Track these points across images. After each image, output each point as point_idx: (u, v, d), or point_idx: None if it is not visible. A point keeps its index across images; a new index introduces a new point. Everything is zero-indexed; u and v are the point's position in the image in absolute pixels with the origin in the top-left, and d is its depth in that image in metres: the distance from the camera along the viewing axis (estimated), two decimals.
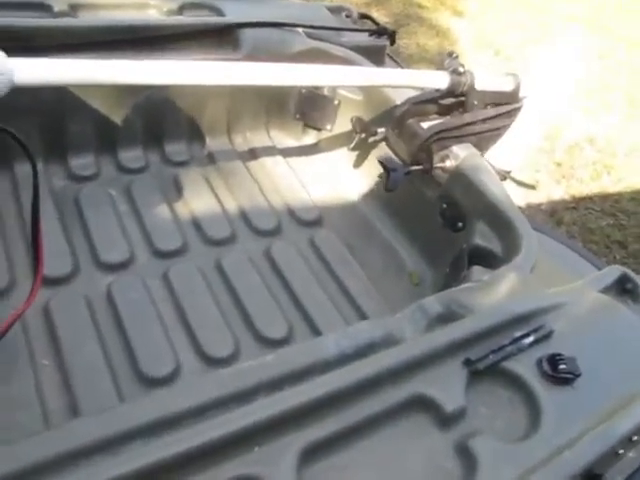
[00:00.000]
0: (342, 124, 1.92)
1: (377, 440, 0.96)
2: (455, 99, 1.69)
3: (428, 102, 1.71)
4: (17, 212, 1.55)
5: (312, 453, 0.90)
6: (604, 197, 3.64)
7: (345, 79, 1.61)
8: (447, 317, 1.15)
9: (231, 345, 1.39)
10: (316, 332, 1.47)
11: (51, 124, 1.64)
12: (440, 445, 0.97)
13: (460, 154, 1.61)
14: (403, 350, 1.05)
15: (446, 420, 0.99)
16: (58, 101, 1.60)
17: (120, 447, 0.82)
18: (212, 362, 1.36)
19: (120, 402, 1.25)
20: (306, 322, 1.49)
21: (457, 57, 1.67)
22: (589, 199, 3.62)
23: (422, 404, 1.00)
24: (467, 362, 1.05)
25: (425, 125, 1.65)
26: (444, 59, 1.67)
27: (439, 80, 1.63)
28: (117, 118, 1.72)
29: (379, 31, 2.18)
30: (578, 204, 3.56)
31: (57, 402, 1.23)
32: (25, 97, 1.07)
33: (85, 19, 1.72)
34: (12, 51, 1.08)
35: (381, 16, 4.90)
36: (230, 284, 1.52)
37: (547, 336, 1.13)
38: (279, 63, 1.57)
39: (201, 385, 0.97)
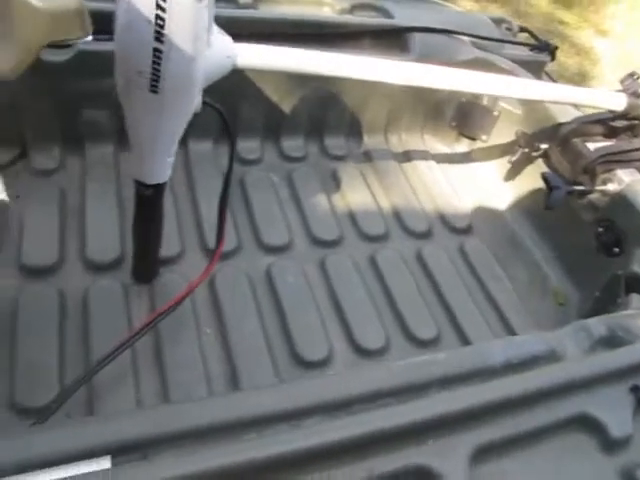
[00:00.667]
0: (497, 136, 1.92)
1: (541, 452, 0.96)
2: (627, 122, 1.66)
3: (596, 123, 1.68)
4: (188, 185, 1.65)
5: (482, 453, 0.91)
6: None
7: (517, 91, 1.60)
8: (611, 341, 1.13)
9: (382, 339, 1.42)
10: (463, 338, 1.48)
11: (226, 107, 1.72)
12: (604, 469, 0.97)
13: (624, 179, 1.58)
14: (570, 367, 1.05)
15: (612, 445, 0.98)
16: (235, 86, 1.67)
17: (299, 421, 0.86)
18: (363, 353, 1.40)
19: (277, 377, 1.30)
20: (454, 327, 1.50)
21: (638, 78, 1.63)
22: None
23: (587, 424, 0.99)
24: (635, 389, 1.04)
25: (591, 146, 1.62)
26: (624, 80, 1.64)
27: (616, 101, 1.60)
28: (284, 107, 1.79)
29: (540, 46, 2.16)
30: None
31: (218, 369, 1.30)
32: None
33: (270, 12, 1.79)
34: None
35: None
36: (383, 280, 1.55)
37: None
38: (448, 67, 1.59)
39: (376, 373, 1.01)
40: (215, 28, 1.03)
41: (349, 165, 1.84)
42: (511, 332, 1.53)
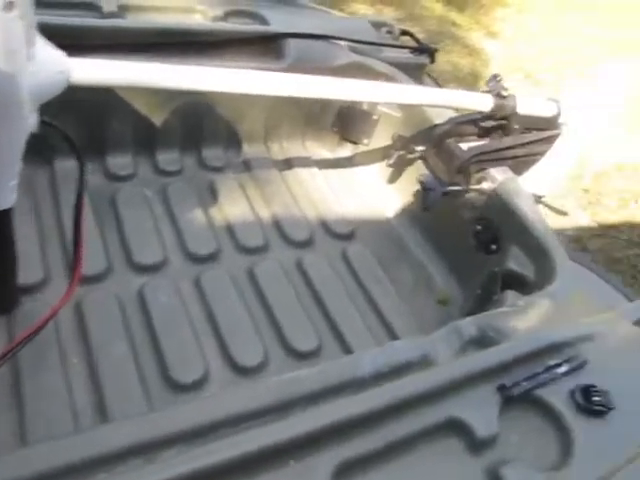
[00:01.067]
0: (379, 140, 1.93)
1: (409, 461, 0.95)
2: (495, 122, 1.69)
3: (469, 123, 1.70)
4: (54, 208, 1.56)
5: (346, 470, 0.89)
6: (631, 226, 3.60)
7: (390, 96, 1.61)
8: (481, 341, 1.14)
9: (260, 354, 1.38)
10: (345, 346, 1.46)
11: (92, 122, 1.65)
12: (471, 470, 0.97)
13: (497, 177, 1.60)
14: (439, 372, 1.04)
15: (478, 445, 0.98)
16: (101, 100, 1.61)
17: (156, 454, 0.82)
18: (241, 370, 1.35)
19: (147, 405, 1.24)
20: (335, 336, 1.48)
21: (501, 80, 1.66)
22: (615, 227, 3.58)
23: (455, 428, 0.99)
24: (501, 388, 1.04)
25: (464, 146, 1.64)
26: (489, 81, 1.67)
27: (483, 102, 1.63)
28: (157, 120, 1.73)
29: (420, 49, 2.18)
30: (605, 232, 3.52)
31: (85, 399, 1.23)
32: (70, 94, 1.08)
33: (135, 21, 1.73)
34: (66, 49, 1.09)
35: (415, 33, 4.90)
36: (261, 293, 1.51)
37: (581, 366, 1.12)
38: (322, 76, 1.57)
39: (238, 395, 0.97)
40: (41, 41, 0.96)
41: (228, 176, 1.80)
42: (394, 337, 1.52)
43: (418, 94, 1.63)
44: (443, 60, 4.68)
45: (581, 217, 3.60)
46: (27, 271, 1.35)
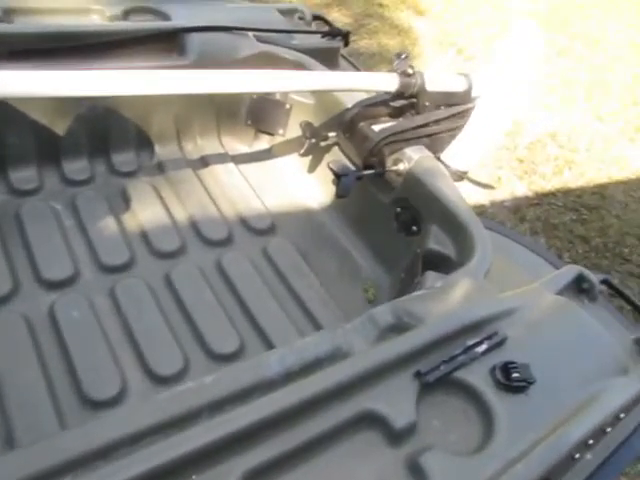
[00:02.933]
0: (294, 129, 1.89)
1: (325, 461, 0.92)
2: (406, 101, 1.66)
3: (379, 105, 1.68)
4: None
5: (256, 476, 0.86)
6: (566, 192, 3.65)
7: (292, 84, 1.57)
8: (398, 327, 1.11)
9: (180, 362, 1.34)
10: (269, 345, 1.43)
11: None
12: (390, 463, 0.94)
13: (413, 156, 1.58)
14: (350, 365, 1.01)
15: (396, 436, 0.95)
16: None
17: None
18: (160, 381, 1.31)
19: (61, 429, 1.19)
20: (259, 335, 1.45)
21: (406, 58, 1.64)
22: (552, 195, 3.62)
23: (371, 421, 0.96)
24: (417, 375, 1.02)
25: (376, 128, 1.62)
26: (393, 60, 1.64)
27: (388, 82, 1.60)
28: (59, 129, 1.66)
29: (332, 33, 2.14)
30: (541, 200, 3.56)
31: None
32: None
33: (22, 25, 1.65)
34: None
35: (342, 16, 4.87)
36: (179, 298, 1.47)
37: (500, 343, 1.10)
38: (227, 70, 1.53)
39: (136, 412, 0.93)
40: None
41: (140, 180, 1.74)
42: (319, 329, 1.49)
43: (322, 80, 1.59)
44: (371, 42, 4.66)
45: (518, 187, 3.63)
46: None
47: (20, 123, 1.59)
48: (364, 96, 1.75)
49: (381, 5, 5.21)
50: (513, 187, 3.60)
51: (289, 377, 0.98)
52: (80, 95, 1.31)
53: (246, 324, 1.46)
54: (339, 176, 1.53)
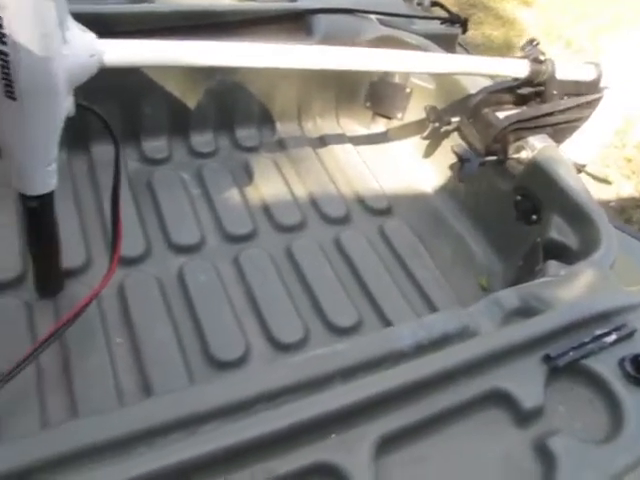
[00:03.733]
0: (412, 113, 1.90)
1: (453, 434, 0.94)
2: (533, 88, 1.65)
3: (505, 91, 1.67)
4: (93, 192, 1.58)
5: (388, 443, 0.89)
6: None
7: (421, 66, 1.58)
8: (524, 311, 1.11)
9: (300, 331, 1.39)
10: (385, 321, 1.45)
11: (126, 107, 1.66)
12: (517, 442, 0.95)
13: (536, 145, 1.57)
14: (480, 343, 1.02)
15: (524, 417, 0.96)
16: (134, 84, 1.62)
17: (194, 428, 0.82)
18: (281, 347, 1.36)
19: (190, 383, 1.26)
20: (375, 311, 1.47)
21: (538, 44, 1.62)
22: None
23: (499, 399, 0.97)
24: (546, 358, 1.02)
25: (501, 115, 1.61)
26: (524, 46, 1.63)
27: (518, 68, 1.59)
28: (190, 102, 1.74)
29: (451, 19, 2.14)
30: None
31: (130, 380, 1.25)
32: (103, 79, 1.08)
33: (161, 5, 1.73)
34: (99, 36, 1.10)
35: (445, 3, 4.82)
36: (300, 270, 1.51)
37: (629, 335, 1.09)
38: (353, 48, 1.55)
39: (276, 370, 0.97)
40: (73, 24, 0.97)
41: (262, 156, 1.80)
42: (434, 310, 1.51)
43: (452, 63, 1.59)
44: (476, 32, 4.59)
45: (624, 187, 3.51)
46: (70, 255, 1.38)
47: (156, 95, 1.68)
48: (485, 82, 1.75)
49: None
50: (619, 187, 3.49)
51: (419, 350, 1.00)
52: (214, 64, 1.34)
53: (363, 300, 1.49)
54: (463, 160, 1.54)
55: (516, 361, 1.01)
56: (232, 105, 1.80)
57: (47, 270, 1.33)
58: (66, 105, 1.01)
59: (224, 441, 0.80)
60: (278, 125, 1.88)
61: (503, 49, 4.36)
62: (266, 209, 1.65)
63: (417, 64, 1.60)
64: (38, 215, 1.18)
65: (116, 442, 0.79)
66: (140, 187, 1.62)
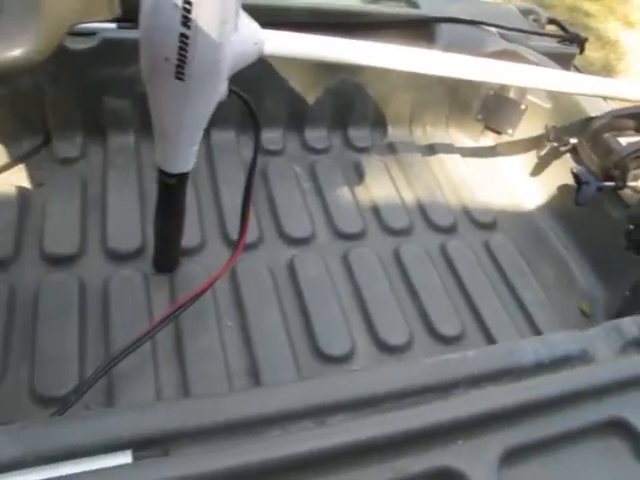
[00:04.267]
0: (523, 130, 1.89)
1: (571, 456, 0.93)
2: None
3: (628, 117, 1.64)
4: (210, 176, 1.63)
5: (510, 456, 0.89)
6: None
7: (544, 82, 1.56)
8: None
9: (405, 335, 1.39)
10: (488, 336, 1.45)
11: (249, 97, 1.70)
12: (635, 475, 0.94)
13: None
14: (603, 369, 1.01)
15: None
16: (259, 75, 1.65)
17: (324, 418, 0.84)
18: (386, 348, 1.37)
19: (297, 372, 1.28)
20: (478, 324, 1.47)
21: None
22: None
23: (620, 429, 0.96)
24: None
25: (623, 141, 1.58)
26: None
27: None
28: (309, 98, 1.77)
29: (569, 38, 2.11)
30: None
31: (238, 362, 1.29)
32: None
33: (298, 1, 1.76)
34: None
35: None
36: (406, 274, 1.52)
37: None
38: (476, 57, 1.55)
39: (406, 369, 0.98)
40: (242, 13, 1.00)
41: (373, 157, 1.81)
42: (536, 330, 1.50)
43: (576, 82, 1.57)
44: None
45: None
46: (187, 235, 1.42)
47: (278, 88, 1.71)
48: (605, 105, 1.72)
49: (587, 14, 5.01)
50: None
51: (539, 368, 1.00)
52: (341, 60, 1.36)
53: (467, 312, 1.49)
54: (581, 183, 1.52)
55: (638, 392, 1.00)
56: (349, 105, 1.82)
57: (168, 246, 1.37)
58: (222, 89, 1.04)
59: (354, 435, 0.82)
60: (390, 129, 1.89)
61: (602, 72, 4.27)
62: (375, 210, 1.66)
63: (540, 80, 1.58)
64: (173, 192, 1.23)
65: (251, 422, 0.81)
66: (257, 176, 1.66)
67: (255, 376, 1.26)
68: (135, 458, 0.72)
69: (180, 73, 0.95)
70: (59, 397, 1.14)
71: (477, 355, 1.01)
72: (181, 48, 0.91)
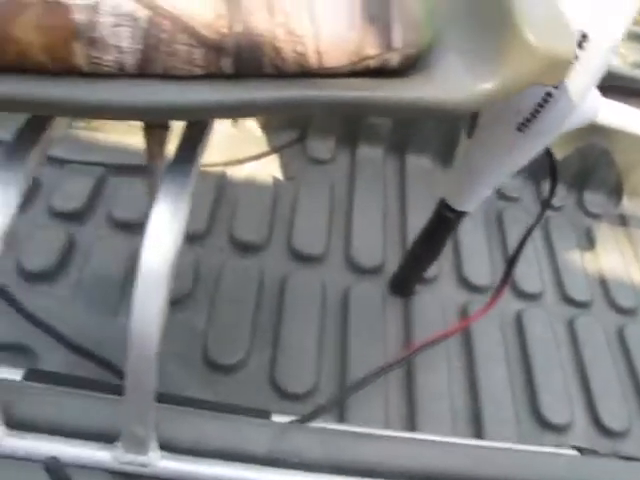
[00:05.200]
0: None
1: None
2: None
3: None
4: (399, 206, 1.64)
5: None
6: None
7: None
8: None
9: (626, 420, 1.34)
10: None
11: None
12: None
13: None
14: None
15: None
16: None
17: None
18: (604, 430, 1.31)
19: (517, 436, 1.26)
20: None
21: None
22: None
23: None
24: None
25: None
26: None
27: None
28: (558, 155, 1.73)
29: None
30: None
31: (462, 406, 1.29)
32: None
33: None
34: None
35: None
36: (629, 357, 1.47)
37: None
38: None
39: None
40: None
41: (604, 225, 1.76)
42: None
43: None
44: None
45: None
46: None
47: None
48: None
49: None
50: None
51: None
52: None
53: None
54: None
55: None
56: (591, 167, 1.78)
57: (414, 272, 1.39)
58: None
59: None
60: (625, 200, 1.83)
61: None
62: (603, 282, 1.61)
63: None
64: (448, 227, 1.24)
65: None
66: (490, 220, 1.66)
67: (477, 423, 1.26)
68: None
69: (524, 126, 0.95)
70: (298, 394, 1.19)
71: None
72: (540, 105, 0.91)
